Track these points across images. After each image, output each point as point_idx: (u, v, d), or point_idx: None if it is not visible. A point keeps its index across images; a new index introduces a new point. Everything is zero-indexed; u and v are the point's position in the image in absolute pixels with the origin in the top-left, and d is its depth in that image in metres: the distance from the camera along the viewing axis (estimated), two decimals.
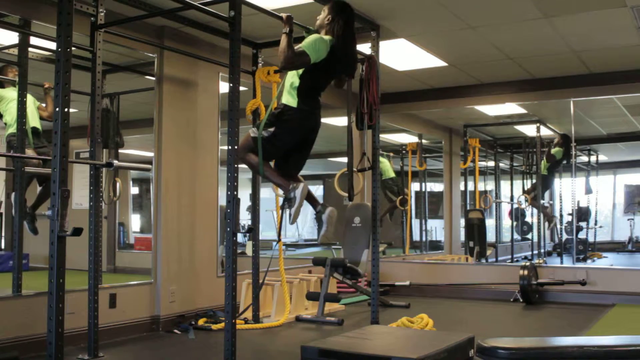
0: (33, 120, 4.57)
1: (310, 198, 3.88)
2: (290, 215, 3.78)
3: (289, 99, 3.74)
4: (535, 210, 8.41)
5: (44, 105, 4.86)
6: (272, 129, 3.70)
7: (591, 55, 5.94)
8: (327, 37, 3.75)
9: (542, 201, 8.24)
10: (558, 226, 8.41)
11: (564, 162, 8.11)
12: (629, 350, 2.46)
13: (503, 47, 5.71)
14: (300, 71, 3.73)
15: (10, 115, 4.50)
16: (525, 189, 8.84)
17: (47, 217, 2.93)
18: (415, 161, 8.83)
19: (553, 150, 8.15)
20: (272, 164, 3.94)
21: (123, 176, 6.02)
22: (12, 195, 4.36)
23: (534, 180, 8.45)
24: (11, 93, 4.55)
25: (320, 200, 3.95)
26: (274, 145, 3.75)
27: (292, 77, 3.78)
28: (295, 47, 3.64)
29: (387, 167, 8.54)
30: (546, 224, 8.31)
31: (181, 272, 5.07)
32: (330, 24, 3.79)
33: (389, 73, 6.45)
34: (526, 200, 8.45)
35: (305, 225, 10.71)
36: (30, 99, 4.50)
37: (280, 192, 4.90)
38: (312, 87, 3.77)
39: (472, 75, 6.80)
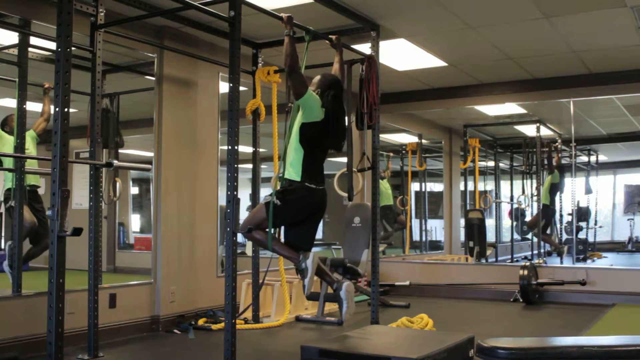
0: (33, 177, 4.55)
1: (321, 272, 3.76)
2: (304, 286, 3.67)
3: (293, 174, 3.64)
4: (535, 210, 8.40)
5: (41, 118, 4.87)
6: (279, 202, 3.59)
7: (591, 55, 5.94)
8: (322, 109, 3.67)
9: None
10: (558, 226, 8.41)
11: (560, 186, 8.16)
12: (629, 350, 2.46)
13: (503, 47, 5.71)
14: (300, 138, 3.63)
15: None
16: (526, 190, 8.85)
17: (47, 217, 2.93)
18: (415, 161, 8.83)
19: (551, 176, 8.18)
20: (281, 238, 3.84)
21: (123, 176, 6.02)
22: (8, 244, 4.35)
23: (534, 181, 8.45)
24: (8, 138, 4.57)
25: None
26: (283, 216, 3.64)
27: (294, 143, 3.68)
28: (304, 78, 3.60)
29: (387, 193, 8.45)
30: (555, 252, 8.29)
31: (181, 272, 5.07)
32: (319, 98, 3.71)
33: (389, 73, 6.45)
34: (531, 230, 8.47)
35: None
36: (29, 139, 4.49)
37: None
38: (312, 158, 3.67)
39: (472, 75, 6.80)
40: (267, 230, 3.63)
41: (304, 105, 3.60)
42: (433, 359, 3.02)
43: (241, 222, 3.79)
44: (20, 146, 4.34)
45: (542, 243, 8.16)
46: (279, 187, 3.69)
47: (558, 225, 8.37)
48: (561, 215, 8.38)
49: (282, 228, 3.83)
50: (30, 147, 4.61)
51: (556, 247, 8.15)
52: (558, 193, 8.26)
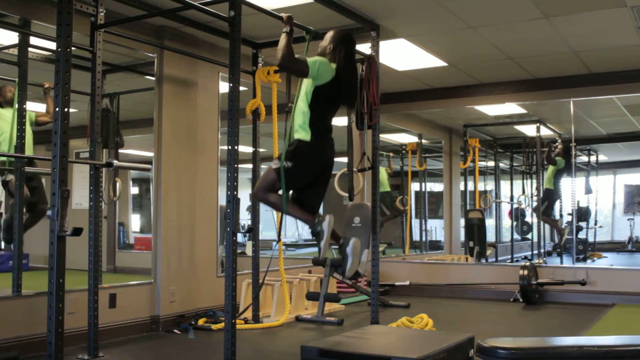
0: (27, 148, 4.56)
1: (332, 232, 3.80)
2: (320, 249, 3.72)
3: (303, 134, 3.69)
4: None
5: (43, 109, 4.87)
6: (290, 163, 3.66)
7: (591, 55, 5.94)
8: (333, 65, 3.74)
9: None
10: (557, 214, 8.40)
11: (565, 171, 8.12)
12: (629, 350, 2.47)
13: (503, 47, 5.71)
14: (310, 101, 3.69)
15: (3, 144, 4.51)
16: (526, 190, 8.84)
17: (47, 217, 2.93)
18: (415, 161, 8.83)
19: (557, 159, 8.15)
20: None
21: (123, 176, 6.02)
22: (2, 219, 4.37)
23: (534, 181, 8.45)
24: (6, 113, 4.56)
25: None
26: (294, 177, 3.70)
27: (302, 107, 3.73)
28: (298, 56, 3.64)
29: (384, 179, 8.49)
30: (558, 236, 8.27)
31: (181, 272, 5.07)
32: (332, 53, 3.78)
33: (389, 73, 6.45)
34: (535, 215, 8.44)
35: (305, 226, 10.71)
36: (27, 119, 4.49)
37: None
38: (322, 118, 3.74)
39: (472, 75, 6.80)
40: (281, 193, 3.68)
41: (314, 76, 3.64)
42: (433, 359, 3.02)
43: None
44: (20, 146, 4.35)
45: (542, 243, 8.16)
46: (287, 147, 3.72)
47: (558, 214, 8.35)
48: (561, 215, 8.38)
49: (293, 194, 3.86)
50: (26, 127, 4.58)
51: (558, 230, 8.14)
52: (564, 179, 8.21)
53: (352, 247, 3.75)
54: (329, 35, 3.86)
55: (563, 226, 8.14)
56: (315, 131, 3.68)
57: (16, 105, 4.36)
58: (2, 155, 4.55)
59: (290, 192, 3.85)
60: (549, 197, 8.25)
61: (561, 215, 8.38)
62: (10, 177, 4.43)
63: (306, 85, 3.74)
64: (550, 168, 8.23)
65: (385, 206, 8.51)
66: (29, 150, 4.61)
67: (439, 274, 7.11)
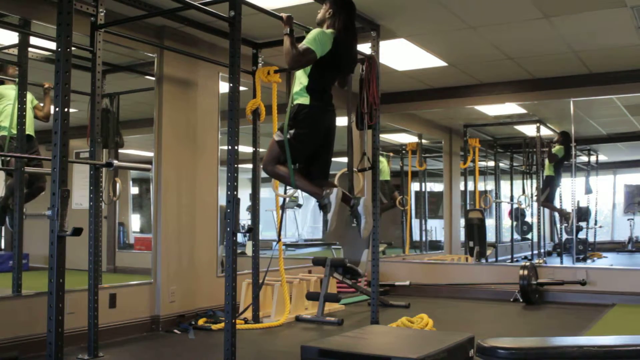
0: (28, 127, 4.56)
1: (344, 197, 3.80)
2: (328, 222, 3.71)
3: (302, 99, 3.72)
4: (535, 210, 8.40)
5: (41, 105, 4.86)
6: (292, 131, 3.67)
7: (591, 55, 5.94)
8: (329, 31, 3.74)
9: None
10: (558, 226, 8.40)
11: (566, 160, 8.09)
12: (629, 350, 2.46)
13: (503, 47, 5.71)
14: (308, 70, 3.71)
15: (5, 119, 4.50)
16: (526, 189, 8.83)
17: (47, 217, 2.93)
18: (415, 161, 8.83)
19: (554, 150, 8.14)
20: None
21: (123, 176, 6.02)
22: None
23: (534, 181, 8.45)
24: (9, 92, 4.55)
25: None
26: (298, 147, 3.70)
27: (301, 78, 3.76)
28: (299, 45, 3.64)
29: (385, 169, 8.51)
30: (562, 220, 8.24)
31: (181, 272, 5.07)
32: (331, 18, 3.78)
33: (389, 73, 6.45)
34: (533, 203, 8.42)
35: (305, 225, 10.71)
36: (28, 100, 4.50)
37: (281, 191, 4.91)
38: (321, 84, 3.75)
39: (472, 75, 6.80)
40: (287, 165, 3.69)
41: (321, 52, 3.64)
42: (433, 359, 3.02)
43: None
44: (21, 146, 4.34)
45: (541, 243, 8.16)
46: (289, 115, 3.72)
47: (559, 225, 8.34)
48: (559, 184, 8.33)
49: (299, 167, 3.86)
50: (27, 108, 4.57)
51: (562, 214, 8.12)
52: (564, 180, 8.20)
53: (364, 206, 3.76)
54: (329, 0, 3.83)
55: (562, 232, 8.12)
56: (313, 95, 3.70)
57: (16, 105, 4.36)
58: (4, 155, 4.55)
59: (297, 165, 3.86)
60: (550, 184, 8.22)
61: (559, 184, 8.32)
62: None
63: None
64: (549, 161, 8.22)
65: (383, 194, 8.50)
66: (30, 131, 4.62)
67: (439, 274, 7.11)
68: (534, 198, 8.44)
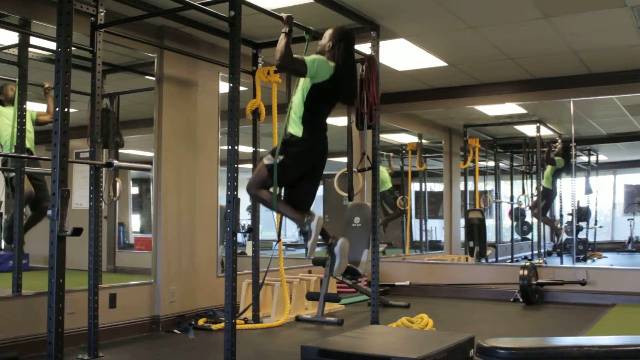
0: (27, 141, 4.56)
1: (322, 230, 3.82)
2: (307, 248, 3.74)
3: (295, 129, 3.71)
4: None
5: (44, 109, 4.87)
6: (281, 157, 3.67)
7: (591, 55, 5.94)
8: (331, 63, 3.74)
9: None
10: (557, 215, 8.40)
11: (565, 171, 8.11)
12: (629, 350, 2.46)
13: (503, 47, 5.71)
14: (306, 96, 3.70)
15: (4, 137, 4.50)
16: (526, 189, 8.84)
17: (47, 217, 2.93)
18: (415, 161, 8.83)
19: (556, 159, 8.15)
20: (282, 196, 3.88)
21: (123, 176, 6.02)
22: (3, 219, 4.37)
23: (534, 181, 8.45)
24: (7, 111, 4.56)
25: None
26: (285, 172, 3.71)
27: (298, 105, 3.74)
28: (296, 55, 3.64)
29: (386, 178, 8.49)
30: (554, 234, 8.26)
31: (181, 272, 5.07)
32: (331, 51, 3.78)
33: (389, 73, 6.45)
34: (532, 215, 8.44)
35: None
36: (28, 117, 4.49)
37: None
38: (316, 115, 3.74)
39: (472, 75, 6.80)
40: (272, 190, 3.69)
41: (313, 75, 3.65)
42: (433, 359, 3.02)
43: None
44: (20, 146, 4.34)
45: (541, 243, 8.16)
46: (280, 141, 3.72)
47: (558, 226, 8.34)
48: (561, 215, 8.38)
49: (284, 189, 3.87)
50: (28, 125, 4.57)
51: (555, 229, 8.13)
52: (564, 179, 8.21)
53: (340, 248, 3.76)
54: (328, 32, 3.85)
55: (561, 226, 8.13)
56: (307, 127, 3.69)
57: (16, 105, 4.36)
58: (3, 155, 4.55)
59: (283, 188, 3.86)
60: (547, 197, 8.25)
61: (561, 215, 8.38)
62: (14, 174, 4.43)
63: (304, 81, 3.74)
64: (549, 167, 8.23)
65: (388, 205, 8.51)
66: (29, 145, 4.62)
67: (439, 274, 7.11)
68: (534, 198, 8.44)
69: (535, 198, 8.37)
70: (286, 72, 3.76)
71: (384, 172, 8.32)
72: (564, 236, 8.00)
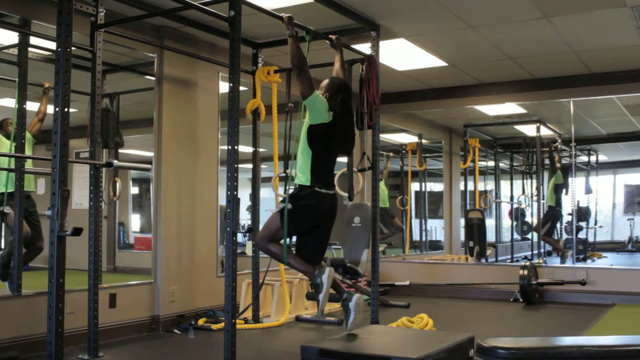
0: (27, 182, 4.55)
1: (334, 284, 3.75)
2: (318, 302, 3.66)
3: (303, 180, 3.65)
4: (535, 211, 8.40)
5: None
6: (291, 207, 3.61)
7: (591, 55, 5.94)
8: (330, 112, 3.69)
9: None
10: (558, 225, 8.40)
11: (564, 186, 8.12)
12: (629, 350, 2.46)
13: (503, 47, 5.71)
14: (308, 143, 3.64)
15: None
16: (526, 189, 8.83)
17: (47, 217, 2.93)
18: (415, 161, 8.83)
19: (554, 177, 8.13)
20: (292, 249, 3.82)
21: (123, 176, 6.02)
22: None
23: (534, 181, 8.45)
24: (4, 141, 4.57)
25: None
26: (295, 221, 3.63)
27: (303, 151, 3.68)
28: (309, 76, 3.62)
29: (384, 197, 8.41)
30: (559, 255, 8.25)
31: (181, 272, 5.07)
32: (328, 102, 3.72)
33: (389, 73, 6.45)
34: (534, 202, 8.43)
35: None
36: (27, 143, 4.48)
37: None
38: (321, 162, 3.68)
39: (472, 75, 6.80)
40: (282, 242, 3.63)
41: (310, 106, 3.62)
42: (433, 359, 3.02)
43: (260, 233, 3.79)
44: (20, 146, 4.34)
45: (542, 243, 8.16)
46: (289, 192, 3.68)
47: (558, 225, 8.34)
48: (561, 215, 8.38)
49: (295, 243, 3.81)
50: (27, 151, 4.59)
51: (560, 251, 8.12)
52: (563, 192, 8.21)
53: (355, 304, 3.67)
54: (324, 83, 3.81)
55: (565, 247, 8.11)
56: (315, 177, 3.63)
57: (16, 105, 4.35)
58: (3, 155, 4.54)
59: (293, 242, 3.80)
60: (552, 217, 8.14)
61: (561, 215, 8.36)
62: (8, 210, 4.42)
63: (304, 125, 3.70)
64: (551, 184, 8.20)
65: (384, 224, 8.42)
66: (29, 187, 4.62)
67: (439, 274, 7.11)
68: (534, 198, 8.44)
69: (535, 200, 8.36)
70: (297, 78, 3.67)
71: (382, 188, 8.27)
72: (569, 254, 7.96)
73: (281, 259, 3.71)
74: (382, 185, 8.32)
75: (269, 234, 3.69)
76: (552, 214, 8.17)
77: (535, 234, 8.45)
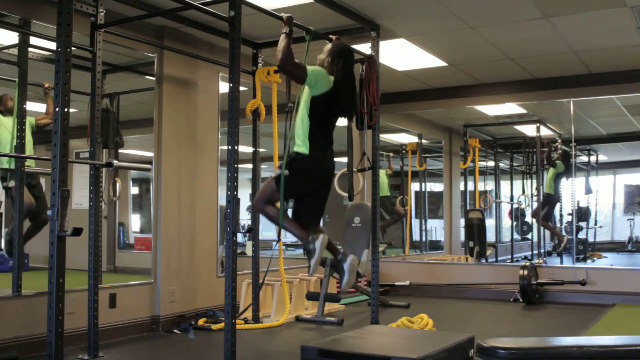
0: (28, 153, 4.55)
1: (330, 247, 3.81)
2: (310, 267, 3.73)
3: (301, 147, 3.68)
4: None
5: (43, 110, 4.87)
6: (287, 173, 3.65)
7: (591, 55, 5.94)
8: (331, 77, 3.74)
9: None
10: (557, 217, 8.40)
11: (565, 175, 8.12)
12: (629, 350, 2.47)
13: (503, 47, 5.71)
14: (308, 111, 3.68)
15: (3, 146, 4.50)
16: (526, 189, 8.84)
17: (47, 217, 2.93)
18: (415, 161, 8.83)
19: (557, 162, 8.15)
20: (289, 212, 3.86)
21: (123, 176, 6.03)
22: (4, 231, 4.38)
23: (534, 181, 8.45)
24: (6, 121, 4.56)
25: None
26: (292, 187, 3.68)
27: (302, 119, 3.72)
28: (299, 61, 3.64)
29: (384, 184, 8.47)
30: (556, 242, 8.27)
31: (181, 272, 5.07)
32: (330, 66, 3.79)
33: (389, 73, 6.45)
34: (534, 202, 8.45)
35: None
36: (28, 126, 4.48)
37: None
38: (321, 129, 3.73)
39: (472, 75, 6.80)
40: (279, 205, 3.68)
41: (311, 84, 3.65)
42: (433, 359, 3.02)
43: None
44: (20, 147, 4.34)
45: (542, 243, 8.16)
46: (286, 159, 3.72)
47: (558, 217, 8.34)
48: (561, 215, 8.38)
49: (292, 207, 3.87)
50: (26, 134, 4.58)
51: (557, 236, 8.14)
52: (563, 180, 8.22)
53: (350, 265, 3.74)
54: (327, 48, 3.86)
55: (564, 234, 8.12)
56: (313, 144, 3.67)
57: (16, 105, 4.36)
58: (3, 155, 4.54)
59: (289, 206, 3.85)
60: (549, 202, 8.24)
61: (561, 216, 8.38)
62: (13, 183, 4.43)
63: (305, 95, 3.73)
64: (550, 172, 8.23)
65: (385, 211, 8.50)
66: (30, 162, 4.61)
67: (439, 274, 7.11)
68: (534, 198, 8.44)
69: (535, 200, 8.37)
70: (286, 75, 3.75)
71: (382, 177, 8.32)
72: (565, 239, 7.99)
73: (277, 222, 3.76)
74: (382, 175, 8.34)
75: (265, 197, 3.75)
76: (549, 200, 8.23)
77: (535, 235, 8.45)
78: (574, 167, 7.84)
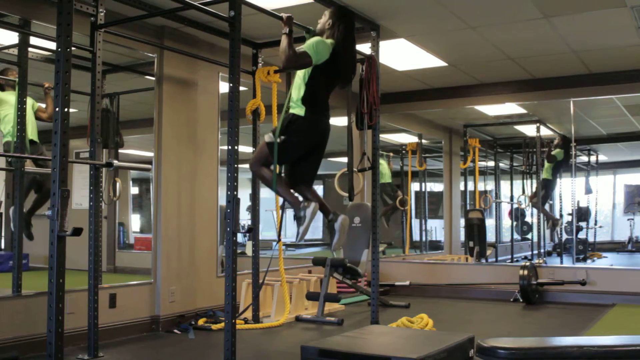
0: (31, 133, 4.55)
1: (322, 208, 3.85)
2: (298, 233, 3.76)
3: (297, 110, 3.73)
4: (535, 210, 8.41)
5: (43, 106, 4.86)
6: (283, 137, 3.69)
7: (591, 55, 5.94)
8: (329, 41, 3.78)
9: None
10: (558, 228, 8.41)
11: (564, 163, 8.11)
12: (629, 350, 2.47)
13: (503, 47, 5.71)
14: (307, 77, 3.73)
15: (7, 124, 4.50)
16: (526, 189, 8.84)
17: (47, 217, 2.93)
18: (415, 161, 8.83)
19: (554, 152, 8.17)
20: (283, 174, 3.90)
21: (123, 176, 6.02)
22: (11, 209, 4.37)
23: (534, 181, 8.46)
24: (10, 97, 4.55)
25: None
26: (286, 152, 3.73)
27: (299, 86, 3.76)
28: (297, 48, 3.66)
29: (385, 171, 8.53)
30: (550, 225, 8.29)
31: (181, 272, 5.07)
32: (331, 29, 3.82)
33: (389, 73, 6.45)
34: (530, 205, 8.46)
35: None
36: (29, 105, 4.49)
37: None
38: (318, 93, 3.76)
39: (472, 75, 6.80)
40: (272, 168, 3.71)
41: (317, 60, 3.67)
42: (433, 359, 3.02)
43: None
44: (20, 147, 4.34)
45: (541, 243, 8.16)
46: (281, 123, 3.74)
47: (557, 214, 8.35)
48: (561, 215, 8.38)
49: (286, 167, 3.90)
50: (29, 114, 4.57)
51: (552, 220, 8.16)
52: (563, 180, 8.24)
53: (341, 224, 3.80)
54: (328, 11, 3.89)
55: (559, 218, 8.15)
56: (309, 107, 3.71)
57: (16, 105, 4.36)
58: (3, 155, 4.54)
59: (283, 167, 3.89)
60: (546, 186, 8.28)
61: (561, 215, 8.37)
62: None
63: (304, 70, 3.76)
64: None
65: (387, 195, 8.55)
66: (33, 136, 4.62)
67: (439, 274, 7.11)
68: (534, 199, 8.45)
69: (534, 210, 8.39)
70: (294, 70, 3.77)
71: (383, 165, 8.36)
72: (561, 232, 7.99)
73: (271, 185, 3.78)
74: (383, 163, 8.36)
75: (260, 158, 3.78)
76: (547, 184, 8.27)
77: (535, 235, 8.44)
78: (574, 167, 7.83)
